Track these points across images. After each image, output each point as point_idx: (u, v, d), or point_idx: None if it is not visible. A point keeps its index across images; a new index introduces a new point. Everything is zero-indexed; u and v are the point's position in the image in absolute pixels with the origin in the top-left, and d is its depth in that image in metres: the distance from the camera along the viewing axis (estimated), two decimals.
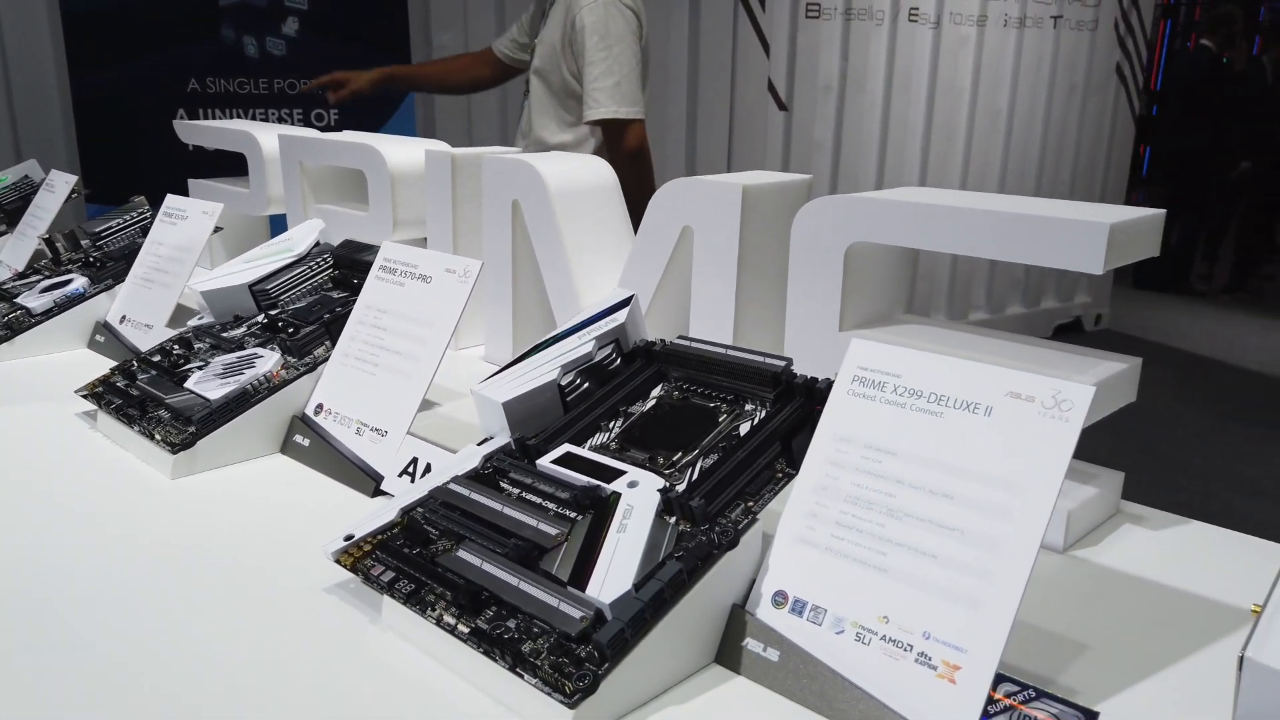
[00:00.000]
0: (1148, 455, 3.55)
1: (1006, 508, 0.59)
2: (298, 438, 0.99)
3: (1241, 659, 0.45)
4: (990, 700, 0.55)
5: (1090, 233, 0.74)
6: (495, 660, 0.60)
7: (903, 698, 0.58)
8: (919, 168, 4.41)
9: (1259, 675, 0.44)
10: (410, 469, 0.90)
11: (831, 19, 3.91)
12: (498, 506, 0.71)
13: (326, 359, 1.03)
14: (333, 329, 1.06)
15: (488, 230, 1.24)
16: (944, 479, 0.62)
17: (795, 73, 3.90)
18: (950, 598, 0.58)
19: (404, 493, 0.77)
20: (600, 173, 1.21)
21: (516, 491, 0.73)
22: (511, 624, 0.62)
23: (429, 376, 0.92)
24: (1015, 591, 0.56)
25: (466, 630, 0.62)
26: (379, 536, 0.73)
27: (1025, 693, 0.55)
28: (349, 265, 1.18)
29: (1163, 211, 0.82)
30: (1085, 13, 4.68)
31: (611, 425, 0.79)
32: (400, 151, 1.38)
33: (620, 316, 0.85)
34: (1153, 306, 6.07)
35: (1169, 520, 0.88)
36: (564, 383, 0.81)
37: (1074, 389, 0.60)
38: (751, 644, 0.64)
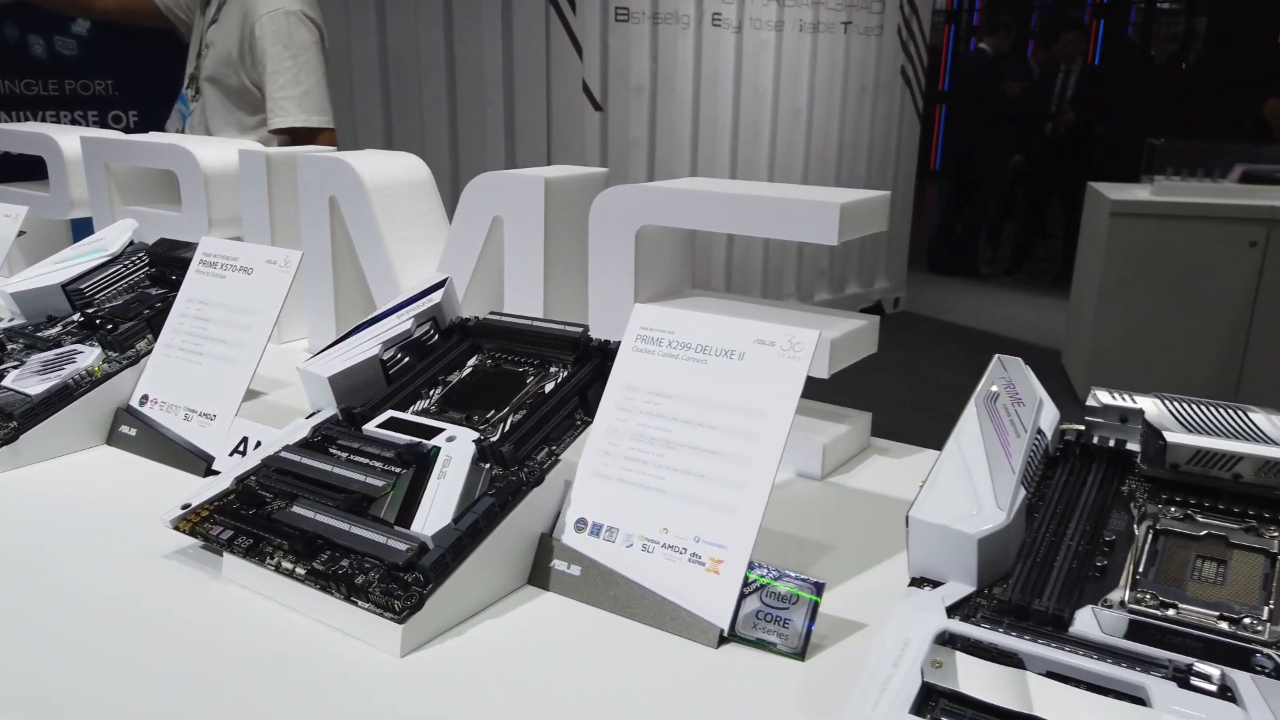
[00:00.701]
0: (938, 421, 3.92)
1: (755, 431, 0.73)
2: (124, 428, 1.02)
3: (907, 518, 0.60)
4: (746, 582, 0.69)
5: (825, 211, 0.90)
6: (331, 594, 0.69)
7: (680, 590, 0.70)
8: (729, 165, 4.66)
9: (919, 529, 0.59)
10: (241, 448, 0.95)
11: (640, 22, 4.08)
12: (328, 467, 0.79)
13: (149, 353, 1.06)
14: (154, 323, 1.09)
15: (305, 227, 1.30)
16: (709, 413, 0.75)
17: (608, 74, 4.04)
18: (714, 507, 0.72)
19: (236, 466, 0.83)
20: (414, 168, 1.29)
21: (345, 455, 0.81)
22: (345, 562, 0.70)
23: (255, 360, 0.98)
24: (762, 496, 0.70)
25: (304, 572, 0.70)
26: (216, 503, 0.79)
27: (771, 573, 0.69)
28: (166, 263, 1.21)
29: (887, 193, 0.99)
30: (871, 19, 5.08)
31: (431, 393, 0.88)
32: (211, 152, 1.41)
33: (436, 297, 0.94)
34: (944, 289, 6.63)
35: (910, 450, 1.05)
36: (385, 357, 0.90)
37: (804, 334, 0.74)
38: (558, 564, 0.75)
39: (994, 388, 0.66)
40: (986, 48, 6.50)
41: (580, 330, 0.87)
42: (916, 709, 0.51)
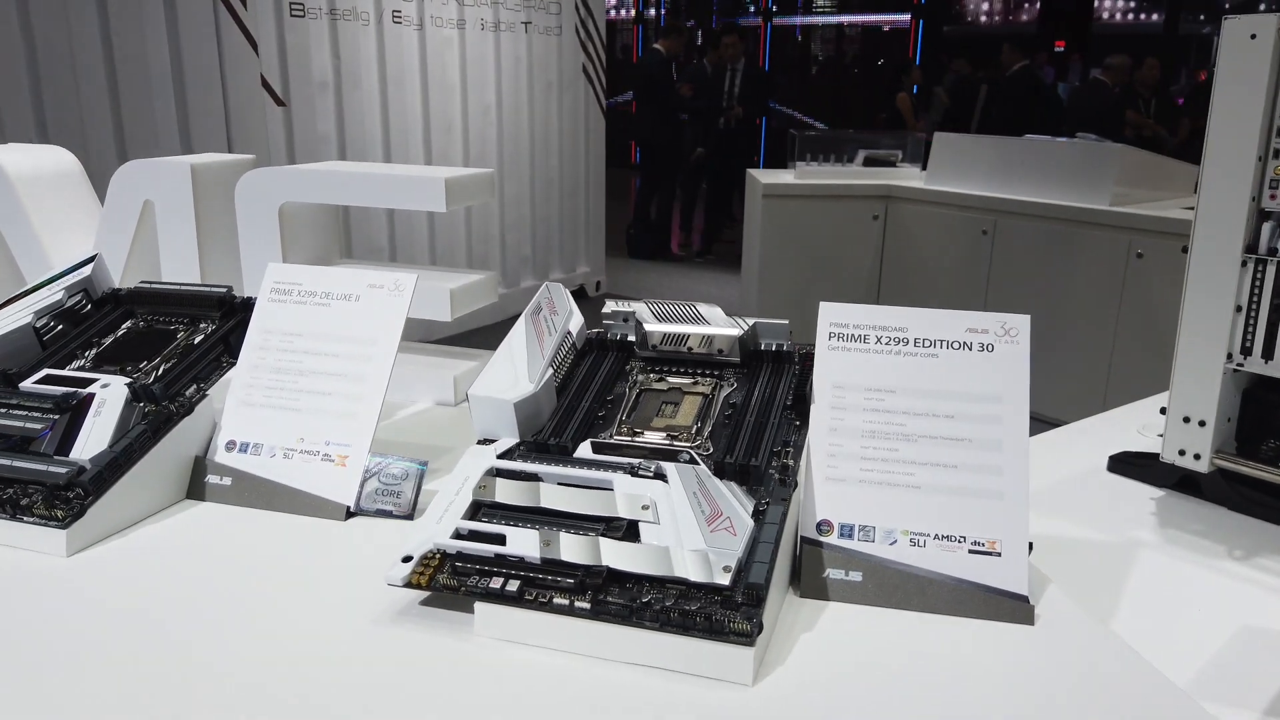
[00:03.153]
0: None
1: (368, 355, 0.92)
2: None
3: (468, 395, 0.82)
4: (367, 469, 0.88)
5: (433, 184, 1.11)
6: None
7: (315, 484, 0.88)
8: (424, 158, 4.79)
9: (476, 402, 0.81)
10: None
11: (318, 19, 4.10)
12: None
13: None
14: None
15: None
16: (332, 344, 0.93)
17: (288, 69, 4.03)
18: (339, 416, 0.90)
19: None
20: (62, 159, 1.35)
21: (3, 410, 0.91)
22: (10, 491, 0.81)
23: None
24: (376, 402, 0.90)
25: None
26: None
27: (387, 460, 0.89)
28: None
29: (491, 170, 1.22)
30: (550, 20, 5.40)
31: (87, 353, 0.99)
32: None
33: (86, 270, 1.05)
34: (642, 272, 7.14)
35: None
36: (39, 325, 0.99)
37: (405, 277, 0.94)
38: (211, 478, 0.91)
39: (539, 304, 0.90)
40: (660, 48, 7.05)
41: (225, 290, 1.02)
42: (470, 516, 0.74)
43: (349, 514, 0.87)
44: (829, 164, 4.82)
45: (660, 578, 0.66)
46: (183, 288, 1.03)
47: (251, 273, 1.21)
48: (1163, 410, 1.07)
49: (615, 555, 0.68)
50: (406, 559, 0.71)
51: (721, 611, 0.64)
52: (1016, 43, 6.72)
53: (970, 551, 0.73)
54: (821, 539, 0.75)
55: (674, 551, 0.67)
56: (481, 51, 4.94)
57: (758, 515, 0.71)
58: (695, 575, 0.66)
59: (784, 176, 4.74)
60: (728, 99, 7.36)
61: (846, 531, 0.75)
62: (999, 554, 0.73)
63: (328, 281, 0.96)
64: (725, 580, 0.65)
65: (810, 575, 0.74)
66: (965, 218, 4.15)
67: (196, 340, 0.98)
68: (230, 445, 0.92)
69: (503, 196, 5.26)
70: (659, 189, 7.47)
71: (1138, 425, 1.32)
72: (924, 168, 4.63)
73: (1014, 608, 0.71)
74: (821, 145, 4.94)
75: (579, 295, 6.12)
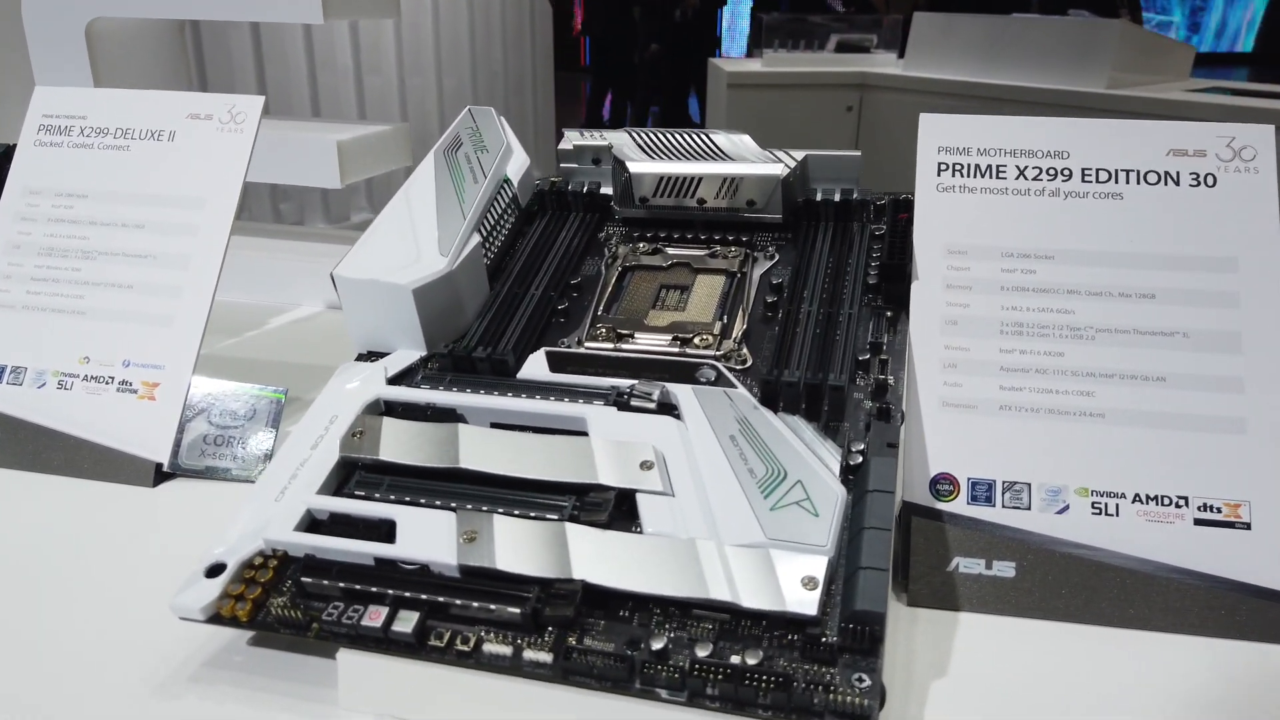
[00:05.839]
0: None
1: (193, 223, 0.58)
2: None
3: (333, 278, 0.49)
4: (189, 406, 0.56)
5: None
6: None
7: (108, 427, 0.56)
8: (351, 49, 4.30)
9: (348, 289, 0.49)
10: None
11: None
12: None
13: None
14: None
15: None
16: (135, 210, 0.59)
17: None
18: (147, 321, 0.57)
19: None
20: None
21: None
22: None
23: None
24: (205, 298, 0.57)
25: None
26: None
27: (222, 388, 0.56)
28: None
29: None
30: None
31: None
32: None
33: None
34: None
35: None
36: None
37: (246, 102, 0.60)
38: None
39: (457, 137, 0.57)
40: None
41: None
42: (335, 488, 0.42)
43: (160, 475, 0.55)
44: (799, 51, 4.42)
45: (682, 600, 0.36)
46: None
47: None
48: None
49: (596, 559, 0.37)
50: (214, 570, 0.39)
51: (805, 668, 0.33)
52: None
53: (1197, 522, 0.43)
54: (941, 506, 0.45)
55: (704, 549, 0.37)
56: None
57: (847, 476, 0.40)
58: (749, 597, 0.35)
59: (750, 65, 4.33)
60: None
61: (982, 493, 0.45)
62: (1246, 524, 0.43)
63: (127, 111, 0.61)
64: (810, 607, 0.34)
65: (926, 569, 0.44)
66: (948, 105, 3.80)
67: None
68: None
69: (441, 92, 4.79)
70: (615, 91, 6.99)
71: None
72: (901, 55, 4.26)
73: (1278, 616, 0.42)
74: (791, 30, 4.53)
75: None
